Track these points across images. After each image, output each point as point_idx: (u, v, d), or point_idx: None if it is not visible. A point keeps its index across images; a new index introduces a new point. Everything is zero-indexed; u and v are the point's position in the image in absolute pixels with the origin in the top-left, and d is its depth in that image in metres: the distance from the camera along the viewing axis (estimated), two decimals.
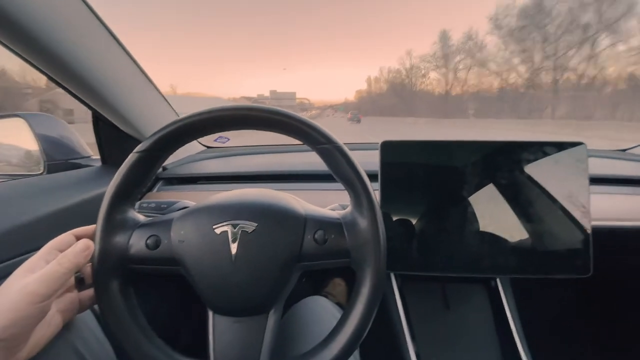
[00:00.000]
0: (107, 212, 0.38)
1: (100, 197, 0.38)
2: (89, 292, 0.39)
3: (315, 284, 1.12)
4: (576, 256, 0.53)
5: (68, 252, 0.34)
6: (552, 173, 0.54)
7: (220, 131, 0.41)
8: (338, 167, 0.39)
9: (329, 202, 0.57)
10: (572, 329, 1.04)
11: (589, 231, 0.53)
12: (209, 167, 0.91)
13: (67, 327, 0.38)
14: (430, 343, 0.67)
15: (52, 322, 0.34)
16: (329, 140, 0.38)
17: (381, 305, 0.39)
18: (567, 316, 1.05)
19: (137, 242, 0.38)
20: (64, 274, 0.32)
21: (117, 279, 0.38)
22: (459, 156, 0.56)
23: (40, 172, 0.74)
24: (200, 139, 1.12)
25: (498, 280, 0.71)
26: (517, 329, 0.65)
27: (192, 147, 1.06)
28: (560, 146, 0.54)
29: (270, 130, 0.40)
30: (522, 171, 0.54)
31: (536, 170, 0.54)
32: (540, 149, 0.54)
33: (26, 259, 0.36)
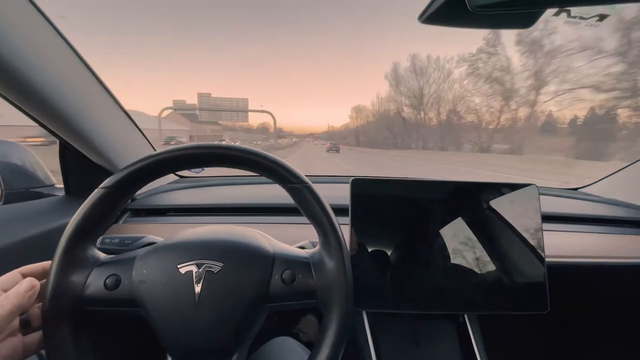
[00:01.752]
0: (65, 249, 0.36)
1: (61, 230, 0.37)
2: (35, 336, 0.36)
3: (287, 321, 1.09)
4: (534, 292, 0.56)
5: (10, 292, 0.32)
6: (508, 212, 0.58)
7: (193, 168, 0.42)
8: (307, 206, 0.40)
9: (300, 236, 0.57)
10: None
11: (544, 267, 0.56)
12: (179, 198, 0.89)
13: None
14: None
15: None
16: (299, 180, 0.39)
17: (352, 343, 0.39)
18: (532, 350, 1.08)
19: (95, 282, 0.37)
20: (5, 317, 0.30)
21: (69, 322, 0.35)
22: (425, 194, 0.59)
23: None
24: None
25: (466, 316, 0.72)
26: None
27: (164, 177, 1.04)
28: (514, 187, 0.58)
29: (243, 169, 0.41)
30: (482, 210, 0.58)
31: (494, 209, 0.58)
32: (496, 189, 0.58)
33: None
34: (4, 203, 0.69)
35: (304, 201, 0.40)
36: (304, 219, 0.42)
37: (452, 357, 0.71)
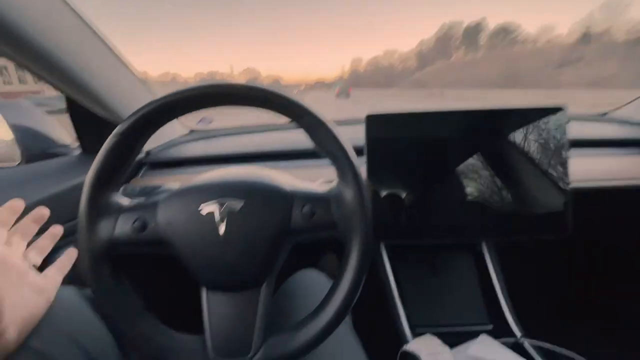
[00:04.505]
0: (90, 198, 0.37)
1: (81, 186, 0.37)
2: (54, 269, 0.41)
3: (308, 260, 1.15)
4: (556, 217, 0.56)
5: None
6: (534, 138, 0.55)
7: (199, 109, 0.40)
8: (322, 140, 0.39)
9: (315, 179, 0.57)
10: (554, 289, 1.10)
11: (569, 193, 0.55)
12: (193, 149, 0.90)
13: (59, 312, 0.38)
14: (420, 306, 0.70)
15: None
16: (310, 114, 0.38)
17: (372, 274, 0.40)
18: (550, 277, 1.11)
19: (123, 226, 0.38)
20: None
21: (107, 264, 0.38)
22: (443, 125, 0.56)
23: (17, 162, 0.71)
24: (183, 122, 1.09)
25: (483, 245, 0.74)
26: (501, 290, 0.69)
27: (175, 131, 1.04)
28: (541, 111, 0.55)
29: (252, 107, 0.39)
30: (505, 137, 0.55)
31: (519, 135, 0.55)
32: (522, 115, 0.55)
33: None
34: (25, 163, 0.71)
35: (317, 136, 0.39)
36: (319, 162, 0.41)
37: (469, 284, 0.74)
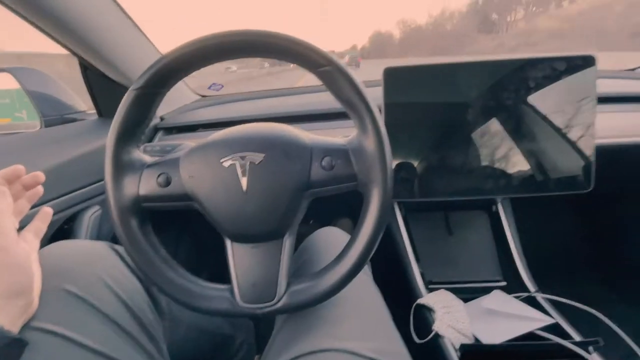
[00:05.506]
0: (113, 154, 0.38)
1: (102, 149, 0.38)
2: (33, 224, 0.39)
3: (323, 224, 1.17)
4: (578, 173, 0.55)
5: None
6: (560, 90, 0.53)
7: (215, 62, 0.40)
8: (340, 90, 0.38)
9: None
10: (567, 246, 1.10)
11: (593, 148, 0.53)
12: (206, 114, 0.90)
13: (94, 262, 0.40)
14: (434, 264, 0.71)
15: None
16: (330, 61, 0.36)
17: (387, 232, 0.40)
18: (564, 235, 1.11)
19: (148, 181, 0.39)
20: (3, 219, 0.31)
21: (134, 217, 0.39)
22: (464, 78, 0.54)
23: (37, 127, 0.73)
24: (194, 89, 1.09)
25: (499, 205, 0.73)
26: (515, 248, 0.69)
27: (187, 97, 1.03)
28: (569, 60, 0.52)
29: (268, 56, 0.38)
30: (529, 89, 0.53)
31: (544, 87, 0.53)
32: (548, 65, 0.52)
33: (32, 213, 0.39)
34: (45, 127, 0.72)
35: (336, 85, 0.38)
36: (333, 124, 0.40)
37: (484, 241, 0.75)
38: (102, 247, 0.46)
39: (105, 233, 0.64)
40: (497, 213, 0.73)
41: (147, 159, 0.42)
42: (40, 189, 0.42)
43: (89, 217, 0.61)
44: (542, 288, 0.65)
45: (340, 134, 0.41)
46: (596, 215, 1.07)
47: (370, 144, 0.38)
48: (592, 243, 1.10)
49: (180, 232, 0.80)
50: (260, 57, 0.39)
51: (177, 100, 0.97)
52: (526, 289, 0.63)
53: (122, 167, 0.39)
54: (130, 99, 0.37)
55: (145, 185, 0.39)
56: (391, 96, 0.54)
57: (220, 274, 0.43)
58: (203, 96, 1.11)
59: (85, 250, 0.43)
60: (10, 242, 0.31)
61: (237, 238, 0.40)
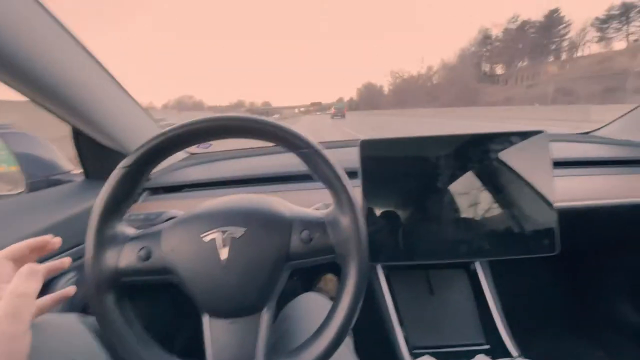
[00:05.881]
0: (97, 229, 0.39)
1: (86, 212, 0.39)
2: (48, 298, 0.39)
3: (308, 281, 1.15)
4: (544, 236, 0.58)
5: (18, 283, 0.30)
6: (517, 160, 0.58)
7: (204, 142, 0.43)
8: (318, 169, 0.41)
9: (313, 201, 0.59)
10: (547, 305, 1.11)
11: (554, 212, 0.57)
12: (193, 174, 0.92)
13: (62, 339, 0.39)
14: (417, 328, 0.71)
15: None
16: (308, 145, 0.40)
17: (370, 295, 0.41)
18: (542, 293, 1.12)
19: (129, 256, 0.40)
20: (27, 304, 0.30)
21: (111, 293, 0.39)
22: (433, 150, 0.59)
23: (21, 191, 0.73)
24: None
25: (477, 264, 0.75)
26: (496, 309, 0.70)
27: (175, 155, 1.06)
28: (523, 135, 0.58)
29: (252, 138, 0.42)
30: (491, 160, 0.58)
31: (503, 158, 0.58)
32: (505, 139, 0.58)
33: None
34: (29, 191, 0.73)
35: (314, 165, 0.41)
36: (316, 184, 0.43)
37: (465, 303, 0.75)
38: (73, 321, 0.44)
39: (78, 300, 0.61)
40: (475, 272, 0.75)
41: (130, 231, 0.43)
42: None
43: (64, 284, 0.59)
44: (525, 348, 0.65)
45: (324, 194, 0.43)
46: (569, 273, 1.10)
47: (346, 218, 0.40)
48: (567, 300, 1.11)
49: (158, 305, 0.77)
50: (245, 138, 0.42)
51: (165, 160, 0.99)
52: (508, 354, 0.63)
53: (104, 241, 0.39)
54: (119, 176, 0.39)
55: (126, 259, 0.40)
56: (367, 165, 0.58)
57: (197, 349, 0.42)
58: (192, 153, 1.14)
59: (56, 325, 0.42)
60: (23, 331, 0.29)
61: (215, 313, 0.40)
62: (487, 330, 0.70)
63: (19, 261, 0.36)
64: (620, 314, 1.00)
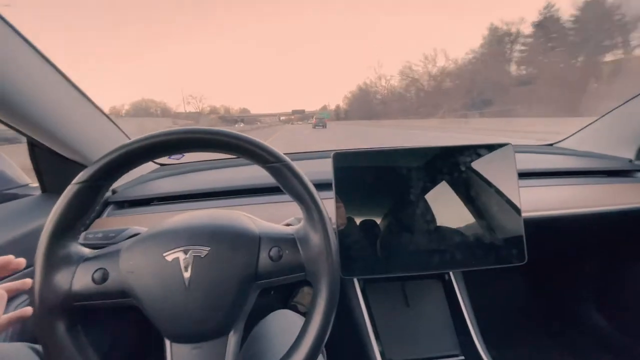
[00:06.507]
0: (46, 249, 0.36)
1: (41, 230, 0.36)
2: (3, 319, 0.37)
3: (284, 295, 1.12)
4: (512, 246, 0.59)
5: None
6: (484, 172, 0.60)
7: (169, 154, 0.41)
8: (288, 184, 0.40)
9: (285, 214, 0.58)
10: (518, 312, 1.14)
11: (521, 222, 0.59)
12: (162, 186, 0.88)
13: None
14: (393, 340, 0.70)
15: None
16: (277, 158, 0.39)
17: (346, 308, 0.40)
18: (514, 301, 1.16)
19: (82, 278, 0.37)
20: None
21: (62, 319, 0.36)
22: (404, 162, 0.60)
23: None
24: None
25: (451, 274, 0.76)
26: (470, 318, 0.71)
27: (145, 166, 1.02)
28: (490, 147, 0.60)
29: (220, 152, 0.40)
30: (460, 172, 0.60)
31: (471, 170, 0.59)
32: (473, 152, 0.60)
33: None
34: None
35: (284, 179, 0.40)
36: (287, 197, 0.42)
37: (440, 312, 0.76)
38: (22, 351, 0.41)
39: (29, 328, 0.56)
40: (450, 282, 0.76)
41: (85, 251, 0.40)
42: None
43: (14, 308, 0.54)
44: (499, 357, 0.66)
45: (295, 207, 0.42)
46: (539, 281, 1.14)
47: (316, 234, 0.39)
48: (537, 307, 1.15)
49: (115, 330, 0.73)
50: (211, 152, 0.41)
51: (134, 170, 0.95)
52: None
53: (55, 263, 0.36)
54: (73, 192, 0.36)
55: (79, 281, 0.37)
56: (341, 177, 0.58)
57: None
58: (162, 164, 1.10)
59: (2, 357, 0.38)
60: None
61: (178, 338, 0.38)
62: (462, 341, 0.70)
63: None
64: (587, 318, 1.05)
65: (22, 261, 0.38)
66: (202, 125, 0.42)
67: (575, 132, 1.16)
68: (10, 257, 0.37)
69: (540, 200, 0.76)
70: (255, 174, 0.91)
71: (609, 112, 1.00)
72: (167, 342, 0.38)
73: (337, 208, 0.57)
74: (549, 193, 0.80)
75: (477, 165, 0.59)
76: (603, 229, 0.85)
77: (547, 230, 0.78)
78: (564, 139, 1.19)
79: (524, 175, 0.80)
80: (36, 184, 0.78)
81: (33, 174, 0.75)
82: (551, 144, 1.16)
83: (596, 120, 1.05)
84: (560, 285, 1.11)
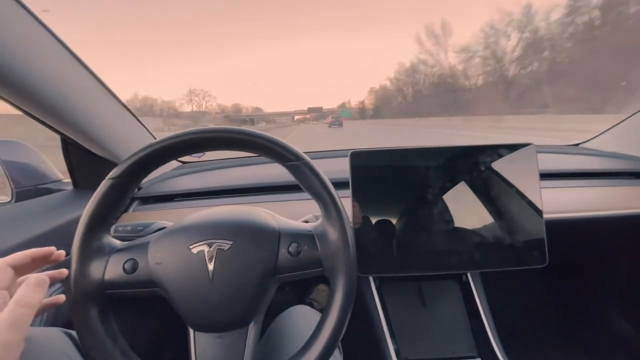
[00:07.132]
0: (82, 240, 0.38)
1: (74, 222, 0.39)
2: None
3: (300, 292, 1.14)
4: (533, 248, 0.58)
5: (25, 292, 0.31)
6: (506, 172, 0.59)
7: (194, 153, 0.43)
8: (307, 181, 0.41)
9: (303, 212, 0.59)
10: (536, 315, 1.11)
11: (543, 224, 0.58)
12: (184, 183, 0.91)
13: (43, 354, 0.38)
14: (409, 339, 0.70)
15: None
16: (297, 157, 0.40)
17: (361, 307, 0.41)
18: (532, 303, 1.13)
19: (114, 268, 0.39)
20: (29, 315, 0.30)
21: (95, 306, 0.38)
22: (422, 161, 0.60)
23: (8, 200, 0.72)
24: None
25: (468, 275, 0.75)
26: (487, 319, 0.70)
27: (168, 164, 1.05)
28: (511, 147, 0.59)
29: (242, 150, 0.42)
30: (480, 172, 0.59)
31: (492, 170, 0.59)
32: (494, 152, 0.59)
33: None
34: (16, 201, 0.71)
35: (303, 177, 0.41)
36: (306, 194, 0.43)
37: (457, 313, 0.75)
38: (56, 335, 0.43)
39: (63, 314, 0.60)
40: (467, 283, 0.75)
41: (116, 243, 0.42)
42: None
43: (48, 295, 0.58)
44: (516, 358, 0.65)
45: (314, 205, 0.43)
46: (558, 284, 1.11)
47: (334, 231, 0.40)
48: (556, 310, 1.12)
49: (143, 318, 0.76)
50: (234, 150, 0.42)
51: (157, 169, 0.98)
52: None
53: (90, 253, 0.39)
54: (107, 186, 0.39)
55: (111, 271, 0.39)
56: (358, 177, 0.59)
57: None
58: (184, 162, 1.14)
59: (38, 341, 0.41)
60: (20, 340, 0.28)
61: (201, 327, 0.40)
62: (479, 341, 0.70)
63: (19, 269, 0.36)
64: (610, 323, 1.01)
65: (62, 253, 0.40)
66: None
67: (602, 132, 1.11)
68: (52, 248, 0.39)
69: (563, 202, 0.74)
70: (275, 171, 0.93)
71: (637, 112, 0.95)
72: (191, 331, 0.40)
73: (354, 206, 0.58)
74: (573, 194, 0.77)
75: (497, 165, 0.59)
76: (628, 233, 0.82)
77: (570, 233, 0.76)
78: (590, 139, 1.14)
79: (546, 176, 0.78)
80: (68, 180, 0.82)
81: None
82: (576, 144, 1.13)
83: (624, 119, 1.00)
84: (582, 288, 1.08)
